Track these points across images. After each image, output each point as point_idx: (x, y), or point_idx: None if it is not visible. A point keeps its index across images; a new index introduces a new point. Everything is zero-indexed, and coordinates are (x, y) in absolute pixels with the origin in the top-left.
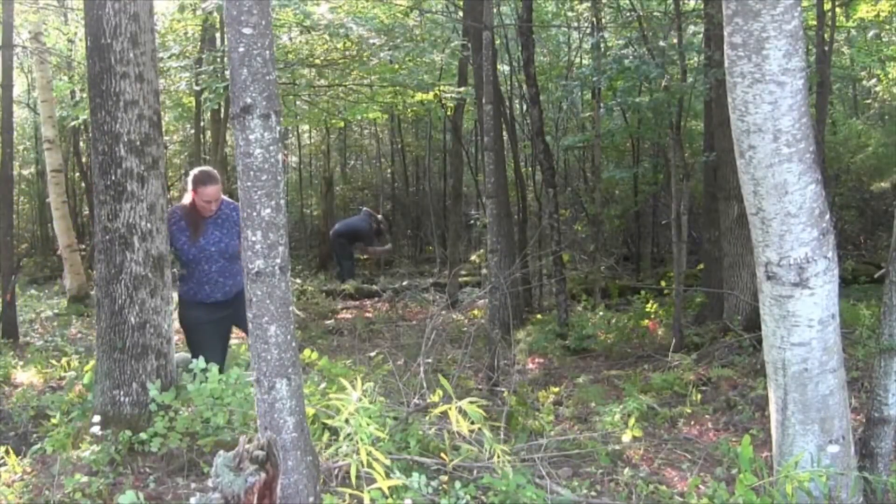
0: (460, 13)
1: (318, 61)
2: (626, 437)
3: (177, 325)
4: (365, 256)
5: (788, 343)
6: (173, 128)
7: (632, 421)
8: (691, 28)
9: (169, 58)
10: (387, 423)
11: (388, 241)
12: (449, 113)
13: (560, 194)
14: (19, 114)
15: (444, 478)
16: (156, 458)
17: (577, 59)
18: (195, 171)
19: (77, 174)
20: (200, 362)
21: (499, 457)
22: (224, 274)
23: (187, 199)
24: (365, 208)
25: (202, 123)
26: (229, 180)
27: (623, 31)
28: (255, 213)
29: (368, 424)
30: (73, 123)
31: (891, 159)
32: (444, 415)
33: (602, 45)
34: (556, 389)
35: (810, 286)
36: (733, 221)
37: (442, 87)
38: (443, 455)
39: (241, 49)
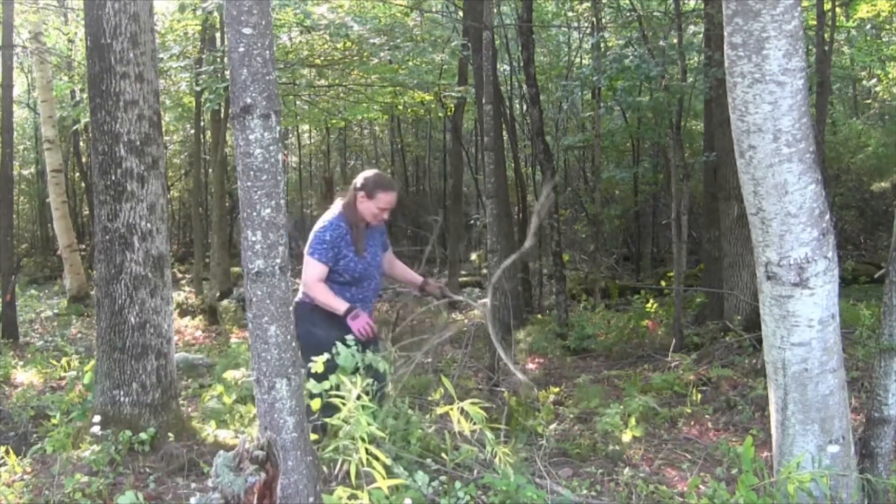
0: (460, 13)
1: (318, 61)
2: (627, 437)
3: (177, 324)
4: None
5: (788, 343)
6: (173, 128)
7: (632, 421)
8: (691, 28)
9: (169, 58)
10: (388, 423)
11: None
12: (449, 113)
13: (560, 194)
14: (19, 114)
15: (445, 477)
16: (156, 458)
17: (577, 59)
18: (372, 174)
19: (77, 174)
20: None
21: (500, 458)
22: (376, 292)
23: (340, 205)
24: None
25: (202, 123)
26: (229, 180)
27: (623, 31)
28: (255, 213)
29: (368, 424)
30: (74, 127)
31: (891, 159)
32: (445, 414)
33: (602, 45)
34: (556, 389)
35: (810, 286)
36: (733, 221)
37: (442, 87)
38: (443, 455)
39: (241, 49)
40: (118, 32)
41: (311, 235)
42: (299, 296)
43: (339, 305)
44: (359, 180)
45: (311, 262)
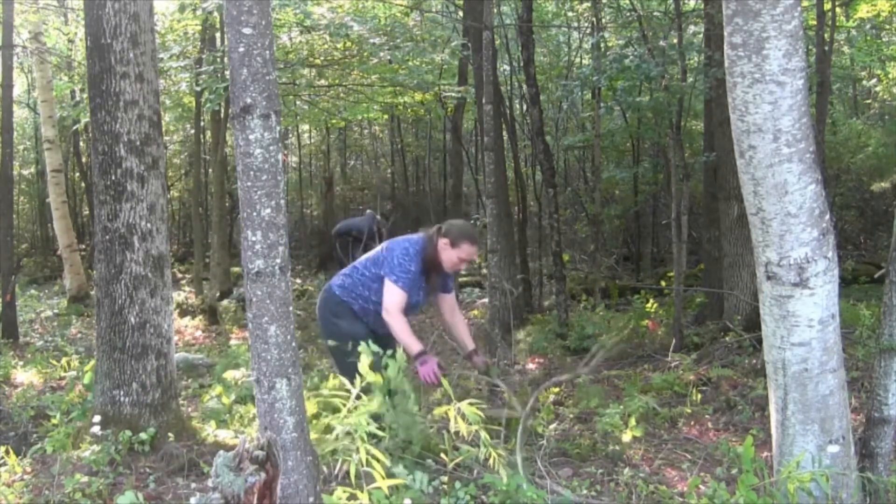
0: (460, 13)
1: (318, 61)
2: (627, 437)
3: (177, 324)
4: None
5: (788, 343)
6: (173, 128)
7: (632, 421)
8: (691, 28)
9: (169, 58)
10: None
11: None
12: (449, 113)
13: (560, 194)
14: (19, 114)
15: (445, 478)
16: (156, 458)
17: (577, 59)
18: (460, 223)
19: (77, 174)
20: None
21: (494, 460)
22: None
23: (421, 239)
24: (369, 210)
25: (202, 123)
26: (229, 180)
27: (623, 31)
28: (255, 213)
29: (368, 424)
30: (74, 127)
31: (891, 159)
32: (446, 414)
33: (602, 45)
34: (556, 389)
35: (810, 286)
36: (733, 221)
37: (442, 87)
38: (443, 455)
39: (241, 49)
40: (118, 32)
41: (393, 259)
42: (335, 288)
43: (413, 346)
44: (445, 226)
45: (395, 289)
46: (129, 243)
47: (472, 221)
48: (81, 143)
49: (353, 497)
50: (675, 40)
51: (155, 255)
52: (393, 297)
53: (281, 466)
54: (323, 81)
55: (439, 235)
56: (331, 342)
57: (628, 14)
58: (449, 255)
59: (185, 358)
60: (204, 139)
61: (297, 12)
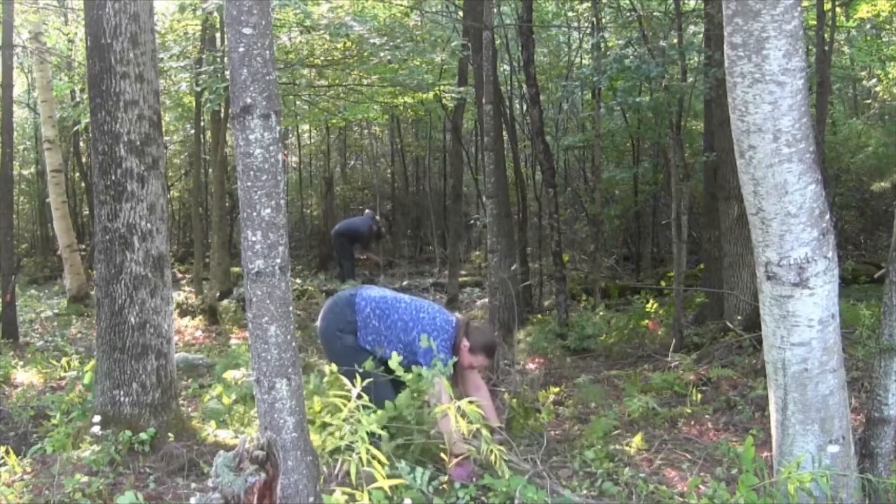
0: (460, 13)
1: (318, 61)
2: (631, 450)
3: (177, 324)
4: (363, 257)
5: (788, 343)
6: (173, 128)
7: (637, 438)
8: (691, 28)
9: (169, 58)
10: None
11: (388, 240)
12: (449, 113)
13: (560, 194)
14: (19, 114)
15: (445, 478)
16: (156, 458)
17: (577, 59)
18: (487, 335)
19: (77, 174)
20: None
21: (495, 457)
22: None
23: (453, 331)
24: (367, 210)
25: (202, 123)
26: (229, 180)
27: (623, 31)
28: (255, 213)
29: (368, 423)
30: (75, 128)
31: (891, 159)
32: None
33: (602, 45)
34: (556, 389)
35: (810, 286)
36: (733, 221)
37: (442, 87)
38: (443, 455)
39: (241, 49)
40: (118, 32)
41: (434, 347)
42: (358, 316)
43: (459, 447)
44: (472, 328)
45: (445, 386)
46: (129, 243)
47: (471, 221)
48: (81, 143)
49: (352, 498)
50: (675, 40)
51: (155, 255)
52: (445, 392)
53: (281, 466)
54: (323, 81)
55: (465, 334)
56: (328, 346)
57: (628, 14)
58: (464, 356)
59: (185, 358)
60: (204, 139)
61: (297, 12)
